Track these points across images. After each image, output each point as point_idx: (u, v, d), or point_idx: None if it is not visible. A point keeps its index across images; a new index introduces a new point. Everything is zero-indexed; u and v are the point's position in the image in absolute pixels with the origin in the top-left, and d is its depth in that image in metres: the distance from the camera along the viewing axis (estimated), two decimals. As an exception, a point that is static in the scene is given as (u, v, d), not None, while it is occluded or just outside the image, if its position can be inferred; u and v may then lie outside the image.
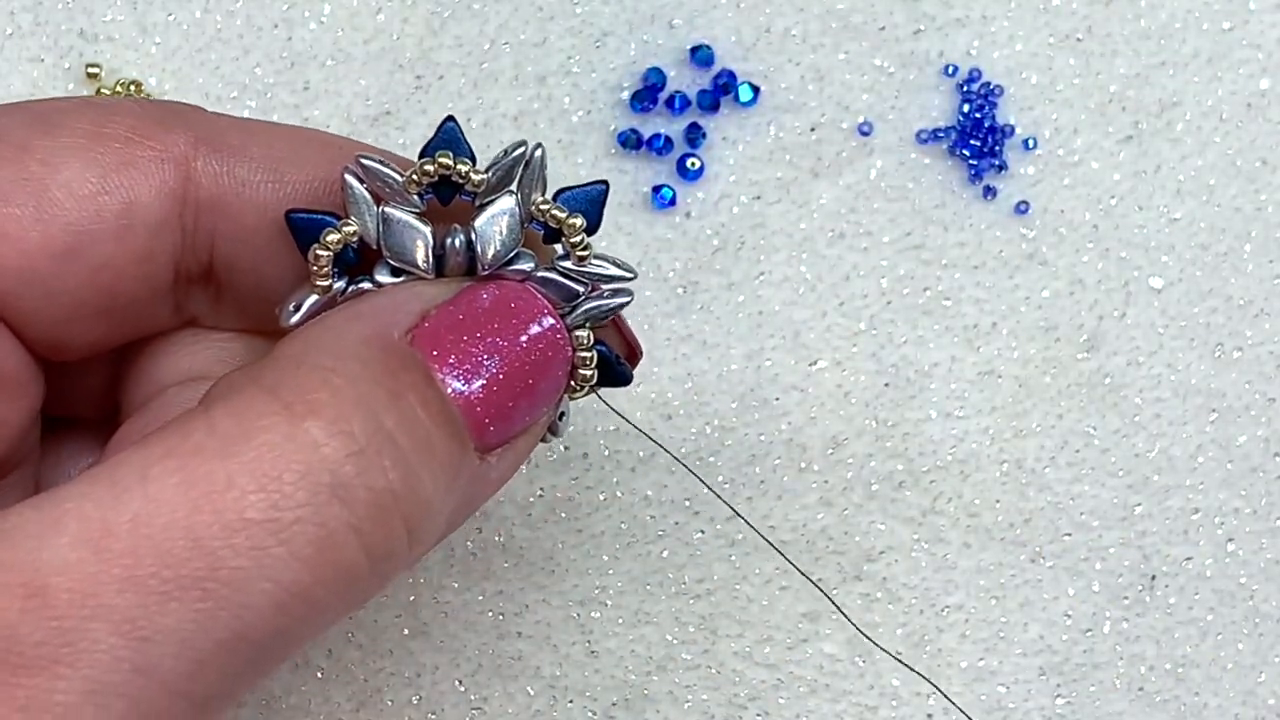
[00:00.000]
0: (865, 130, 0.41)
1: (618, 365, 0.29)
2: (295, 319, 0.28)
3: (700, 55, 0.40)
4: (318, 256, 0.28)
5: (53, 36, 0.40)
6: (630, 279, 0.29)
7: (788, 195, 0.40)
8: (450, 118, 0.28)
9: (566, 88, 0.40)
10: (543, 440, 0.29)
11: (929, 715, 0.40)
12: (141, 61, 0.40)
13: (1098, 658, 0.40)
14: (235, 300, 0.29)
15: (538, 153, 0.28)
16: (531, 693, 0.39)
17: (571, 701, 0.39)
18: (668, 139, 0.40)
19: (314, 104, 0.40)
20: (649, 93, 0.40)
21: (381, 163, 0.28)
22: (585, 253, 0.28)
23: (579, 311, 0.28)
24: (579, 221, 0.28)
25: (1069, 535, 0.40)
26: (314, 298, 0.28)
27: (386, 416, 0.24)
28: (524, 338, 0.27)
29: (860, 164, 0.41)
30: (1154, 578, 0.40)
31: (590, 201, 0.29)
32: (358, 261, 0.28)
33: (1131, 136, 0.41)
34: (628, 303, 0.29)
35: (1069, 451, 0.40)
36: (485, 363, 0.26)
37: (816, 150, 0.40)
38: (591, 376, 0.29)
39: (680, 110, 0.40)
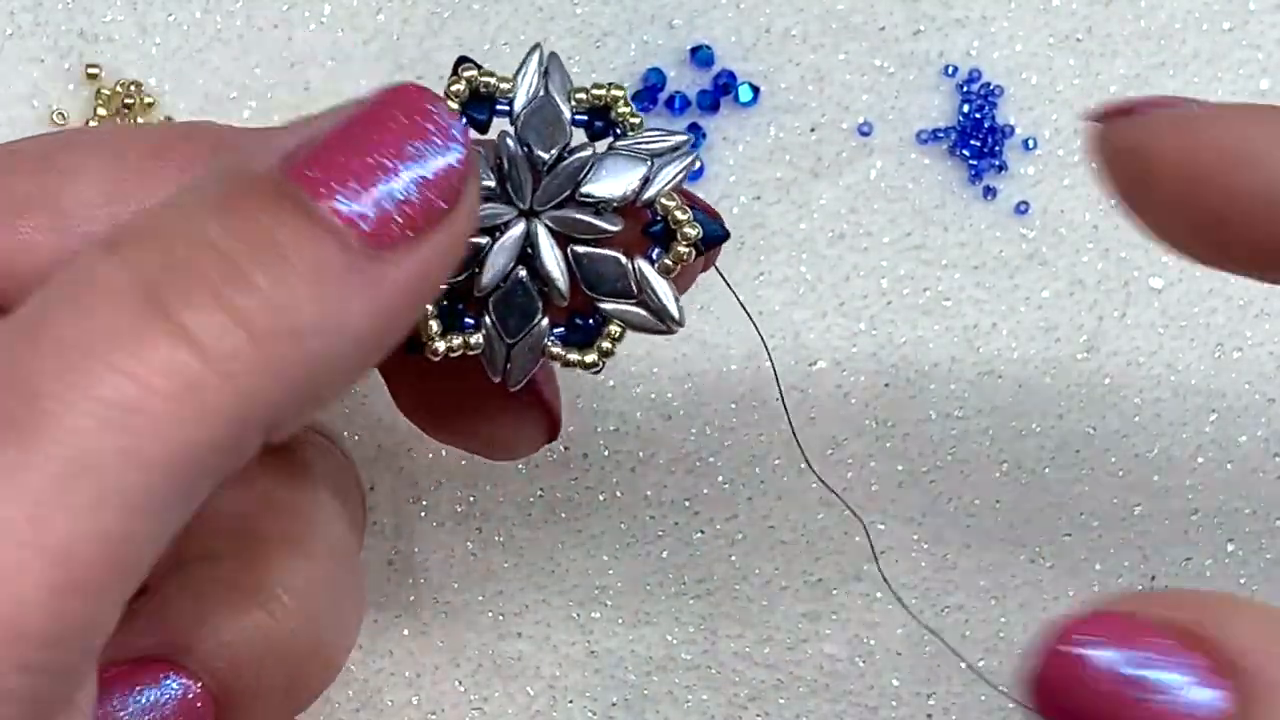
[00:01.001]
0: (865, 130, 0.41)
1: (710, 225, 0.28)
2: None
3: (700, 55, 0.40)
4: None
5: (53, 36, 0.40)
6: (687, 140, 0.28)
7: (788, 195, 0.40)
8: (462, 56, 0.28)
9: (566, 88, 0.40)
10: (663, 333, 0.28)
11: (929, 715, 0.40)
12: (141, 61, 0.40)
13: (1098, 658, 0.40)
14: None
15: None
16: (531, 693, 0.39)
17: (571, 701, 0.39)
18: (668, 139, 0.40)
19: (314, 104, 0.40)
20: (649, 93, 0.40)
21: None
22: (638, 119, 0.28)
23: (654, 184, 0.28)
24: (622, 92, 0.28)
25: (1069, 535, 0.40)
26: None
27: (211, 226, 0.22)
28: (410, 138, 0.24)
29: (860, 164, 0.41)
30: (1154, 578, 0.40)
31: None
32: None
33: (1131, 136, 0.41)
34: (695, 162, 0.28)
35: (1069, 451, 0.40)
36: (368, 176, 0.24)
37: (816, 150, 0.40)
38: (697, 233, 0.28)
39: (680, 110, 0.40)
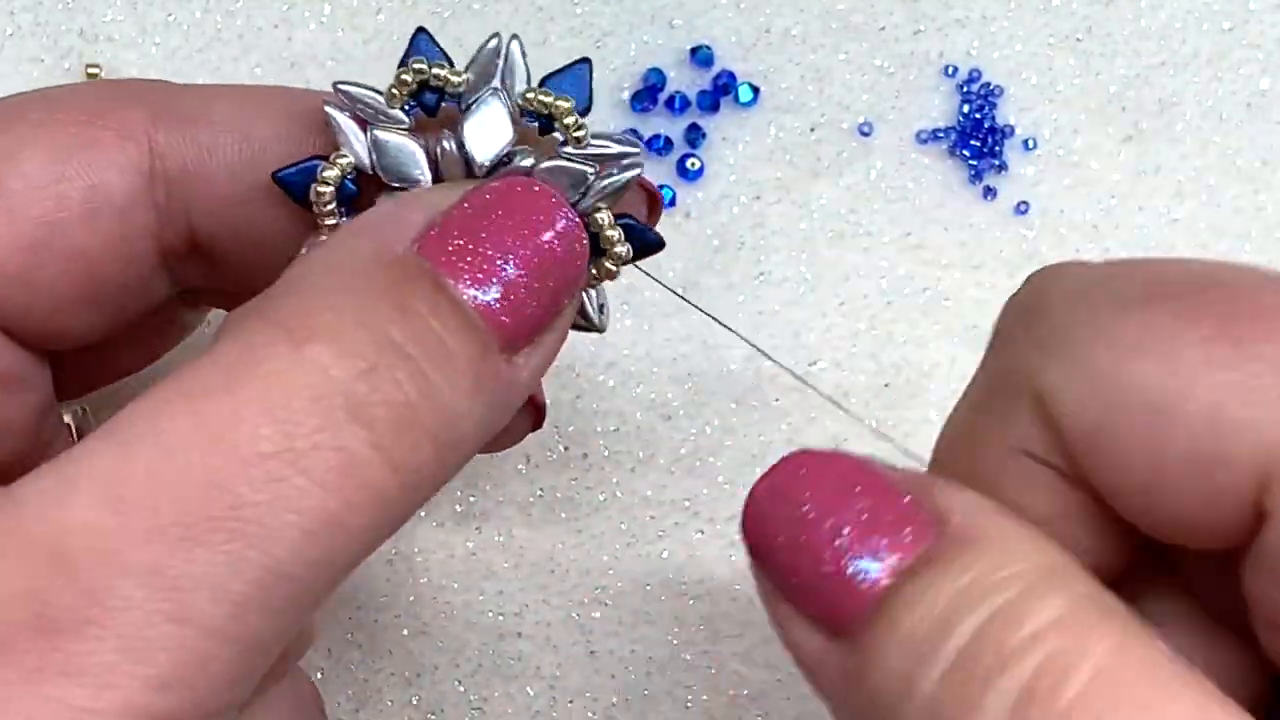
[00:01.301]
0: (865, 130, 0.41)
1: (646, 235, 0.28)
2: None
3: (700, 55, 0.40)
4: (319, 194, 0.27)
5: (53, 36, 0.40)
6: (636, 152, 0.28)
7: (788, 195, 0.40)
8: (420, 28, 0.28)
9: (566, 88, 0.40)
10: (585, 330, 0.28)
11: (929, 715, 0.40)
12: (141, 61, 0.40)
13: (1098, 658, 0.40)
14: (231, 266, 0.29)
15: (513, 44, 0.27)
16: (531, 693, 0.39)
17: (571, 701, 0.39)
18: (668, 139, 0.40)
19: (314, 104, 0.40)
20: (649, 93, 0.40)
21: (360, 86, 0.27)
22: (581, 133, 0.27)
23: (592, 193, 0.27)
24: (569, 103, 0.27)
25: (1069, 535, 0.40)
26: (324, 239, 0.27)
27: (394, 329, 0.23)
28: (537, 234, 0.26)
29: (860, 164, 0.41)
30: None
31: (576, 81, 0.28)
32: (359, 193, 0.28)
33: (1131, 136, 0.41)
34: (639, 174, 0.28)
35: (1069, 451, 0.40)
36: (499, 264, 0.25)
37: (816, 150, 0.40)
38: (625, 253, 0.28)
39: (680, 110, 0.40)
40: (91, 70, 0.40)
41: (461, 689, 0.39)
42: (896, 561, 0.22)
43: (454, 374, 0.24)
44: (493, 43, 0.27)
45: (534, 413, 0.31)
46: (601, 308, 0.28)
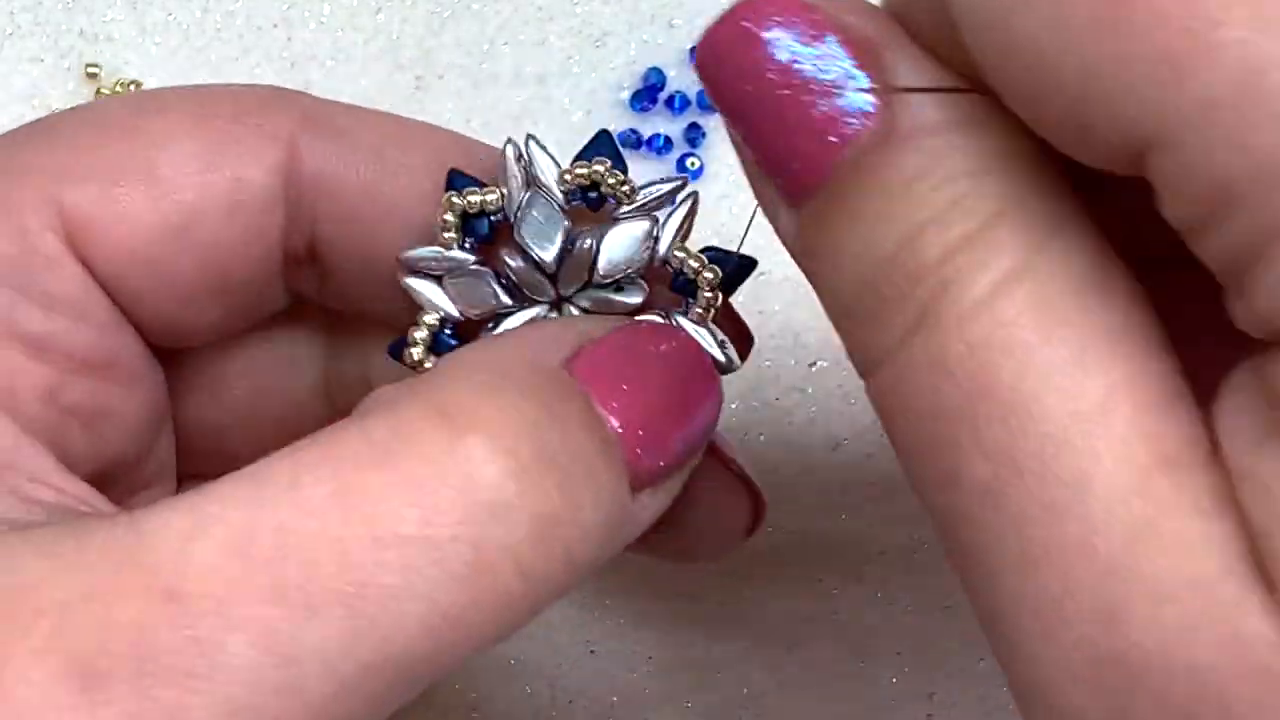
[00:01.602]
0: (865, 130, 0.41)
1: (731, 259, 0.28)
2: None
3: (700, 55, 0.41)
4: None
5: (53, 36, 0.40)
6: (682, 178, 0.28)
7: (788, 195, 0.40)
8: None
9: (566, 88, 0.40)
10: (723, 371, 0.28)
11: (929, 715, 0.40)
12: (141, 61, 0.40)
13: (1098, 658, 0.40)
14: (341, 284, 0.29)
15: (530, 144, 0.28)
16: (531, 693, 0.39)
17: (571, 701, 0.39)
18: (668, 139, 0.40)
19: (314, 104, 0.40)
20: (649, 93, 0.40)
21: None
22: (627, 187, 0.28)
23: (665, 237, 0.28)
24: (605, 165, 0.28)
25: (1069, 535, 0.40)
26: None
27: (551, 437, 0.23)
28: (680, 382, 0.26)
29: (860, 164, 0.41)
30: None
31: (602, 147, 0.28)
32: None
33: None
34: (695, 194, 0.28)
35: (1069, 451, 0.40)
36: (640, 399, 0.25)
37: (816, 150, 0.40)
38: (716, 277, 0.28)
39: (680, 110, 0.40)
40: (91, 70, 0.40)
41: (460, 688, 0.39)
42: (851, 135, 0.21)
43: (597, 493, 0.23)
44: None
45: (753, 502, 0.30)
46: (723, 344, 0.28)
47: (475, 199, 0.27)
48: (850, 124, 0.21)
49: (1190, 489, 0.19)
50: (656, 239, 0.28)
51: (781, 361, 0.40)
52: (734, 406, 0.40)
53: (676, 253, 0.28)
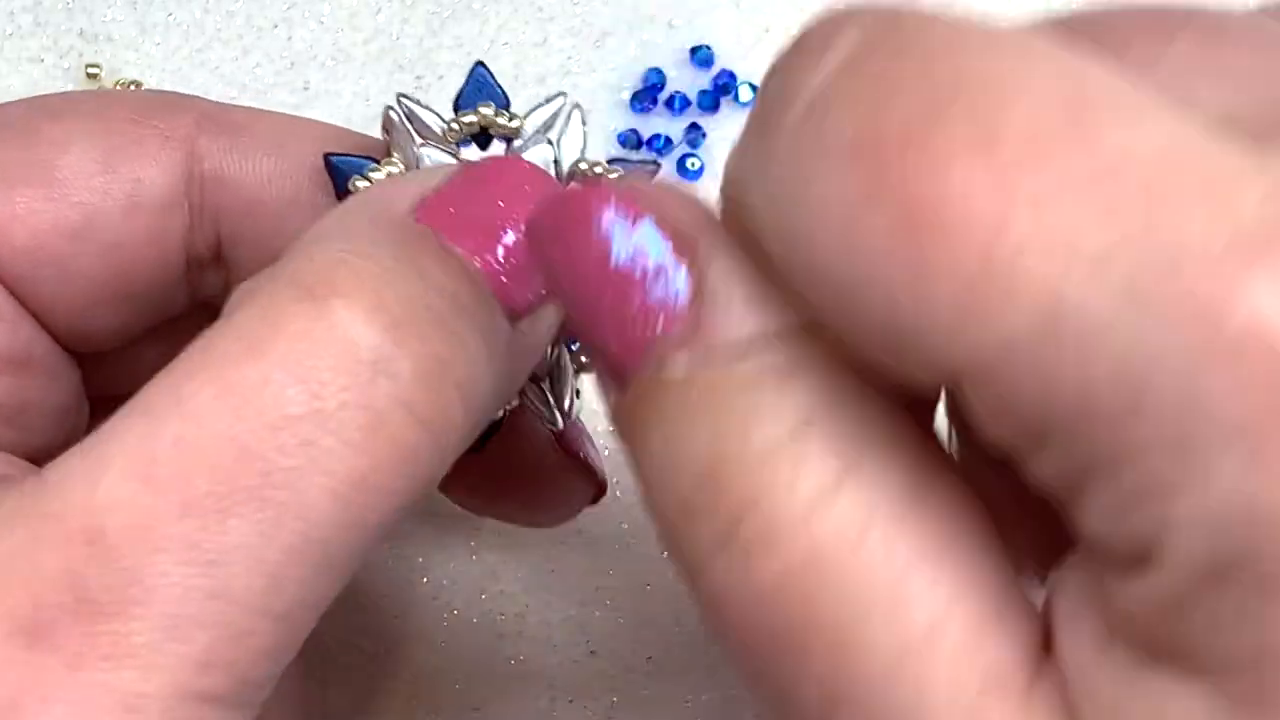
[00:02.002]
0: (865, 130, 0.41)
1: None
2: None
3: (700, 55, 0.41)
4: (356, 188, 0.27)
5: (53, 36, 0.40)
6: (561, 98, 0.28)
7: (787, 195, 0.40)
8: (480, 62, 0.28)
9: (566, 88, 0.40)
10: (549, 424, 0.29)
11: (929, 715, 0.40)
12: (141, 61, 0.40)
13: (1098, 658, 0.40)
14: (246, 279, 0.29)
15: (576, 112, 0.28)
16: (531, 693, 0.39)
17: (571, 701, 0.39)
18: (668, 139, 0.40)
19: (314, 104, 0.40)
20: (649, 93, 0.40)
21: (425, 106, 0.28)
22: (515, 123, 0.28)
23: (565, 157, 0.28)
24: (617, 172, 0.28)
25: (1069, 535, 0.40)
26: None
27: (413, 283, 0.23)
28: (528, 203, 0.25)
29: (860, 164, 0.41)
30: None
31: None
32: None
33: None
34: (576, 112, 0.28)
35: (1069, 451, 0.40)
36: (493, 230, 0.25)
37: (816, 150, 0.41)
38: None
39: (680, 110, 0.40)
40: (91, 70, 0.40)
41: (461, 689, 0.39)
42: (661, 333, 0.20)
43: (474, 330, 0.24)
44: (557, 100, 0.28)
45: (594, 483, 0.31)
46: (578, 393, 0.29)
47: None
48: (660, 321, 0.20)
49: (1024, 712, 0.18)
50: (558, 161, 0.28)
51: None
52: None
53: (580, 165, 0.28)
